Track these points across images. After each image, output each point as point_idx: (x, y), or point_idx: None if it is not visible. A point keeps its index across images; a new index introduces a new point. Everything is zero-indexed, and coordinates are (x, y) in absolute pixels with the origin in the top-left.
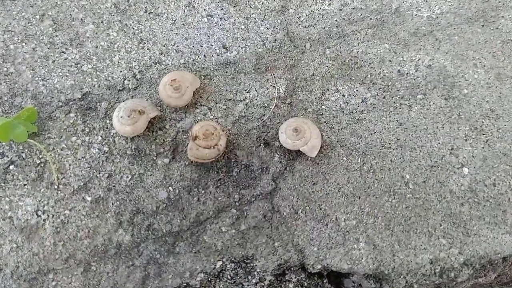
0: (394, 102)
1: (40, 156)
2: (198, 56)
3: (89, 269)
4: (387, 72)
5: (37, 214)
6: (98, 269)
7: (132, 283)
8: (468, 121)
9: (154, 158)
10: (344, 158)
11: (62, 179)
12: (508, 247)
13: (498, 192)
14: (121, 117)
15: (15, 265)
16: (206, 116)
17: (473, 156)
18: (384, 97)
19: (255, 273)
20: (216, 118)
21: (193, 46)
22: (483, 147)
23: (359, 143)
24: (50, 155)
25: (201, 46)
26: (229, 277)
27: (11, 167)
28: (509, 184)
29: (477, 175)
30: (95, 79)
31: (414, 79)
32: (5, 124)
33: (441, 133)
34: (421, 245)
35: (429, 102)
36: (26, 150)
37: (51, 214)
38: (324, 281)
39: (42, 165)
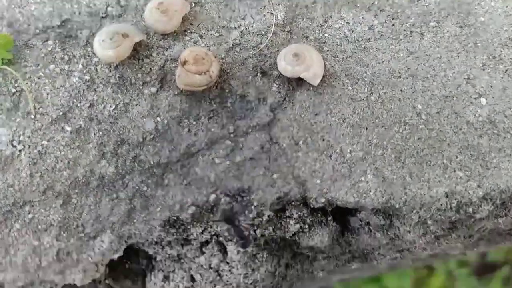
0: (404, 30)
1: (16, 85)
2: None
3: (69, 202)
4: None
5: (12, 145)
6: (79, 202)
7: (116, 216)
8: (485, 50)
9: (140, 87)
10: (350, 88)
11: (39, 108)
12: None
13: None
14: (103, 40)
15: None
16: (197, 43)
17: (491, 86)
18: (393, 25)
19: (252, 207)
20: (208, 46)
21: None
22: (502, 77)
23: (366, 72)
24: (26, 83)
25: None
26: (223, 211)
27: None
28: None
29: (496, 105)
30: (76, 6)
31: (426, 6)
32: None
33: (456, 62)
34: (435, 178)
35: (443, 30)
36: (0, 79)
37: (27, 144)
38: (329, 218)
39: (17, 94)
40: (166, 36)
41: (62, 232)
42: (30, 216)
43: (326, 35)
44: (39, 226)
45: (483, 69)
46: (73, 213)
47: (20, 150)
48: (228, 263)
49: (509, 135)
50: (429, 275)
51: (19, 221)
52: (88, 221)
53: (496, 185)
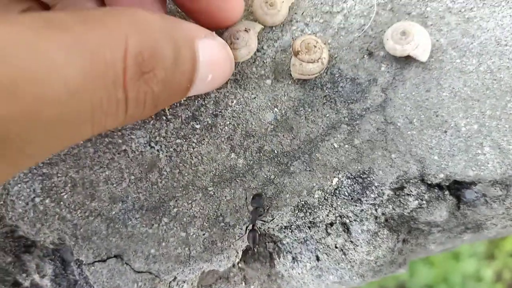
0: None
1: None
2: None
3: (207, 194)
4: None
5: (150, 145)
6: (216, 194)
7: (255, 204)
8: None
9: (256, 80)
10: (458, 61)
11: (169, 109)
12: None
13: None
14: (231, 43)
15: (137, 196)
16: (304, 32)
17: None
18: None
19: (373, 188)
20: (314, 33)
21: None
22: None
23: (472, 43)
24: None
25: None
26: (346, 193)
27: None
28: None
29: None
30: None
31: None
32: None
33: None
34: None
35: None
36: None
37: (164, 144)
38: (445, 192)
39: None
40: (273, 28)
41: (205, 223)
42: (175, 210)
43: (428, 9)
44: (184, 219)
45: None
46: (212, 205)
47: (158, 150)
48: (352, 241)
49: None
50: (502, 237)
51: (166, 216)
52: (227, 211)
53: None
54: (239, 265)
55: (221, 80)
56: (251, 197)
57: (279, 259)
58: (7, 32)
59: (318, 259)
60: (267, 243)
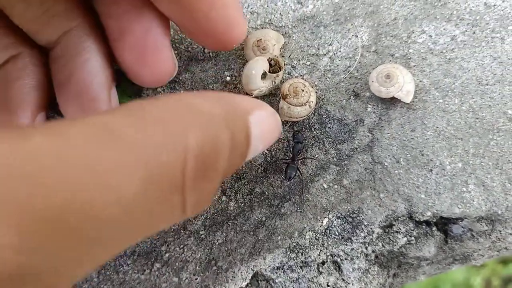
0: (485, 36)
1: None
2: (274, 15)
3: (199, 238)
4: (473, 6)
5: None
6: (207, 238)
7: (244, 248)
8: None
9: None
10: (440, 100)
11: None
12: None
13: None
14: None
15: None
16: (291, 74)
17: None
18: (474, 32)
19: (363, 226)
20: (301, 75)
21: (268, 6)
22: None
23: (454, 83)
24: None
25: (276, 5)
26: (336, 233)
27: None
28: None
29: None
30: (176, 52)
31: (502, 10)
32: None
33: None
34: None
35: None
36: None
37: None
38: (433, 228)
39: None
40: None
41: (197, 267)
42: (167, 255)
43: (411, 50)
44: (177, 264)
45: None
46: (204, 249)
47: None
48: (344, 279)
49: None
50: None
51: (158, 261)
52: (219, 255)
53: None
54: None
55: (270, 144)
56: (292, 133)
57: None
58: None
59: None
60: (259, 282)
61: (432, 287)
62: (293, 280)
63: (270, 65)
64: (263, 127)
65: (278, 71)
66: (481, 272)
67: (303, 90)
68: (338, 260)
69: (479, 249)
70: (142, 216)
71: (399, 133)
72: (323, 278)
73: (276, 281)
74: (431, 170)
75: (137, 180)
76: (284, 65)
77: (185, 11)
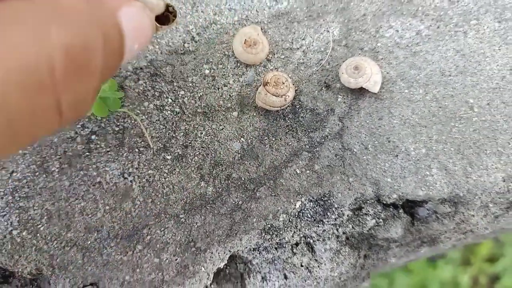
0: (449, 31)
1: (118, 124)
2: (251, 12)
3: (179, 222)
4: (438, 2)
5: (123, 177)
6: (187, 221)
7: (221, 230)
8: None
9: (224, 113)
10: (406, 91)
11: (141, 142)
12: None
13: None
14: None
15: (111, 225)
16: (266, 67)
17: None
18: (438, 27)
19: (333, 209)
20: (276, 68)
21: (244, 3)
22: None
23: (419, 74)
24: (142, 120)
25: (252, 2)
26: (309, 215)
27: (93, 136)
28: None
29: None
30: (157, 46)
31: (465, 5)
32: (99, 99)
33: (499, 55)
34: (492, 165)
35: (483, 26)
36: (104, 120)
37: (136, 175)
38: (400, 211)
39: (121, 132)
40: (238, 63)
41: (177, 249)
42: (148, 237)
43: (379, 44)
44: (158, 246)
45: None
46: (184, 231)
47: (131, 181)
48: (316, 260)
49: None
50: (476, 243)
51: (140, 243)
52: (198, 237)
53: None
54: (212, 286)
55: (145, 45)
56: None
57: (249, 279)
58: None
59: (286, 277)
60: (238, 264)
61: (420, 286)
62: (269, 261)
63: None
64: (135, 24)
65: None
66: (468, 270)
67: (284, 83)
68: (311, 241)
69: (445, 231)
70: (11, 122)
71: (367, 121)
72: (297, 258)
73: (253, 262)
74: (397, 156)
75: (7, 85)
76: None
77: None
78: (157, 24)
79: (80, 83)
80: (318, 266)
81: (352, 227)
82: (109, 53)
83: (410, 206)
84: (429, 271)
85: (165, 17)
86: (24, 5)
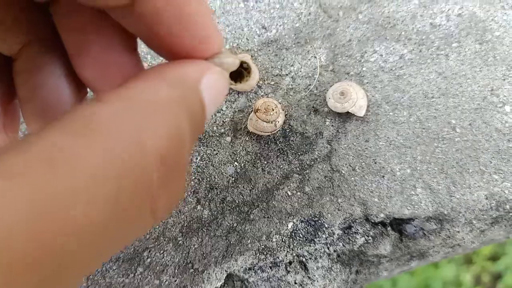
0: (431, 54)
1: None
2: (241, 40)
3: (177, 244)
4: (420, 27)
5: None
6: (185, 243)
7: (217, 251)
8: (504, 62)
9: (218, 138)
10: (391, 113)
11: None
12: None
13: None
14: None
15: None
16: (257, 93)
17: None
18: (421, 51)
19: (324, 229)
20: (266, 94)
21: (235, 32)
22: None
23: (403, 97)
24: None
25: (242, 30)
26: (301, 235)
27: None
28: None
29: None
30: None
31: (447, 29)
32: None
33: (480, 76)
34: (475, 183)
35: (464, 48)
36: None
37: None
38: (388, 229)
39: None
40: (231, 91)
41: (176, 270)
42: (148, 260)
43: (364, 69)
44: (157, 268)
45: (504, 79)
46: (182, 253)
47: None
48: (309, 277)
49: None
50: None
51: (141, 265)
52: (195, 258)
53: None
54: None
55: (220, 103)
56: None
57: None
58: None
59: None
60: (235, 282)
61: (423, 286)
62: (264, 280)
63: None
64: (215, 91)
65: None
66: (471, 269)
67: (273, 110)
68: (304, 260)
69: (433, 246)
70: (111, 236)
71: (354, 143)
72: (291, 276)
73: (250, 280)
74: (383, 176)
75: (101, 203)
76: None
77: (147, 26)
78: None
79: (173, 182)
80: (311, 283)
81: (343, 245)
82: (194, 132)
83: (398, 223)
84: (432, 270)
85: (238, 72)
86: (116, 109)
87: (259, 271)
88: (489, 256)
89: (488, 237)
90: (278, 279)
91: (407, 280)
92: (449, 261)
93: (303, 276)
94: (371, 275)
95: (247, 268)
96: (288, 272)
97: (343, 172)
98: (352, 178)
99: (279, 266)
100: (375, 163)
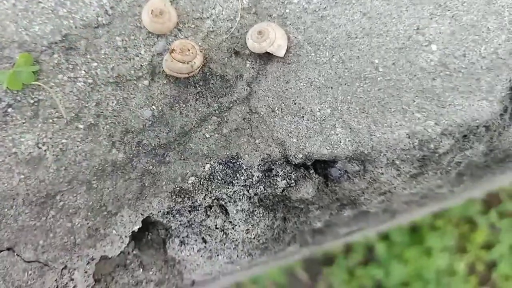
0: None
1: (33, 96)
2: None
3: (91, 187)
4: None
5: (38, 147)
6: (98, 186)
7: (131, 194)
8: (431, 0)
9: (135, 82)
10: (313, 54)
11: (55, 113)
12: (485, 113)
13: (469, 61)
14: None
15: (26, 193)
16: (177, 37)
17: (440, 32)
18: None
19: (243, 170)
20: (186, 37)
21: None
22: (449, 23)
23: (326, 38)
24: (56, 92)
25: None
26: (219, 177)
27: (9, 109)
28: (479, 53)
29: (446, 49)
30: (71, 21)
31: None
32: (12, 73)
33: (406, 16)
34: (396, 122)
35: None
36: (20, 93)
37: (50, 144)
38: (311, 171)
39: (36, 104)
40: (150, 34)
41: (89, 213)
42: (61, 203)
43: (287, 10)
44: (70, 210)
45: (431, 18)
46: (95, 196)
47: (45, 150)
48: (231, 222)
49: (460, 74)
50: (472, 230)
51: (53, 209)
52: (109, 201)
53: (453, 121)
54: (134, 252)
55: None
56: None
57: (169, 244)
58: None
59: (205, 241)
60: (159, 230)
61: (416, 275)
62: (186, 225)
63: None
64: None
65: None
66: (465, 257)
67: (189, 50)
68: (223, 203)
69: (362, 193)
70: None
71: (274, 85)
72: (211, 221)
73: (172, 227)
74: (302, 117)
75: None
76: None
77: None
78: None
79: None
80: (233, 228)
81: (264, 188)
82: None
83: (323, 168)
84: (425, 259)
85: None
86: None
87: (177, 215)
88: (482, 244)
89: (422, 185)
90: (199, 224)
91: (400, 269)
92: (442, 249)
93: (224, 221)
94: (302, 224)
95: (165, 212)
96: (208, 216)
97: (261, 113)
98: (271, 119)
99: (198, 209)
100: (295, 104)
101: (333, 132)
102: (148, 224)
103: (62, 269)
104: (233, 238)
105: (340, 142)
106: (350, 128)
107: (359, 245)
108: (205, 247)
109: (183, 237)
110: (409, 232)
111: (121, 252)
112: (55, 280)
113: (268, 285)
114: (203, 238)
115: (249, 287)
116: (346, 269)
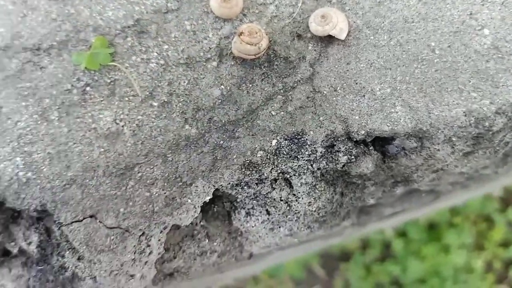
0: None
1: (110, 76)
2: None
3: (166, 160)
4: None
5: (115, 123)
6: (174, 159)
7: (204, 166)
8: None
9: (204, 63)
10: (372, 37)
11: (130, 92)
12: None
13: None
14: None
15: (106, 165)
16: (242, 21)
17: (491, 18)
18: None
19: (307, 146)
20: (251, 22)
21: None
22: (499, 9)
23: (383, 22)
24: (131, 72)
25: None
26: (285, 152)
27: (88, 88)
28: None
29: (498, 33)
30: (143, 7)
31: None
32: (90, 54)
33: (459, 1)
34: (453, 101)
35: None
36: (97, 73)
37: (127, 120)
38: (370, 148)
39: (112, 83)
40: (217, 19)
41: (165, 184)
42: (139, 174)
43: None
44: (148, 181)
45: (483, 4)
46: (171, 168)
47: (122, 126)
48: (294, 194)
49: None
50: (490, 227)
51: (132, 179)
52: (184, 172)
53: (506, 100)
54: (201, 223)
55: None
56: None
57: (234, 215)
58: None
59: (268, 213)
60: (224, 203)
61: (433, 272)
62: (251, 197)
63: None
64: None
65: None
66: (482, 255)
67: (257, 33)
68: (288, 176)
69: (416, 169)
70: None
71: (336, 66)
72: (276, 193)
73: (238, 199)
74: (363, 96)
75: None
76: None
77: None
78: None
79: None
80: (296, 200)
81: (326, 164)
82: None
83: (381, 145)
84: (442, 256)
85: None
86: None
87: (245, 187)
88: (500, 242)
89: (472, 164)
90: (265, 196)
91: (417, 266)
92: (459, 246)
93: (288, 193)
94: (357, 200)
95: (234, 184)
96: (274, 188)
97: (324, 92)
98: (334, 98)
99: (264, 182)
100: (356, 83)
101: (393, 110)
102: (214, 198)
103: (140, 235)
104: (295, 210)
105: (400, 119)
106: (409, 107)
107: (376, 241)
108: (268, 218)
109: (248, 209)
110: (426, 229)
111: (190, 224)
112: (134, 246)
113: (285, 279)
114: (267, 210)
115: (266, 281)
116: (363, 265)
